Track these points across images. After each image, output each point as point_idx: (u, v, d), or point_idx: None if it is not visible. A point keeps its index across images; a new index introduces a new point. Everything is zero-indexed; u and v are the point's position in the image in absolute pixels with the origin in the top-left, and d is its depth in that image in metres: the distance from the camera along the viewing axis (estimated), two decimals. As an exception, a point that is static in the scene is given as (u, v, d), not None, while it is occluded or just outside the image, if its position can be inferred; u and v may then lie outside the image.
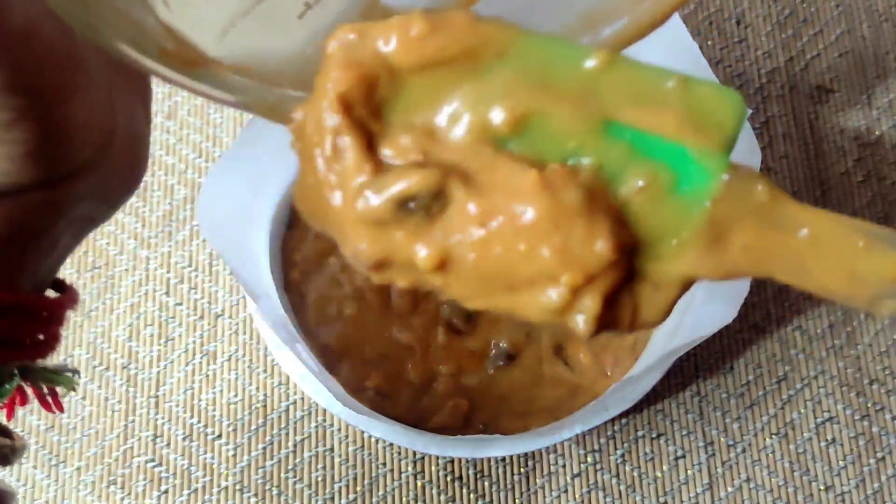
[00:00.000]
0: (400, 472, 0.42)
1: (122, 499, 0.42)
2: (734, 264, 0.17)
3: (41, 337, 0.21)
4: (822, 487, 0.42)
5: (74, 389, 0.24)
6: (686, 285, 0.18)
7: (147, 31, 0.17)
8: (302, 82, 0.18)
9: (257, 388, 0.43)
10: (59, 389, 0.24)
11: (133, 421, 0.43)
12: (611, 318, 0.17)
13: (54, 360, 0.23)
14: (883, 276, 0.17)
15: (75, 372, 0.24)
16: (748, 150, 0.36)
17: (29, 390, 0.23)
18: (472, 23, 0.16)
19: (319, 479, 0.42)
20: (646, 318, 0.17)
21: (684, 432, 0.42)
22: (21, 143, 0.17)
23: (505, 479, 0.42)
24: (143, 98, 0.22)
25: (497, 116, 0.16)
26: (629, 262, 0.17)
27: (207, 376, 0.43)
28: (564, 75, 0.17)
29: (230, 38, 0.18)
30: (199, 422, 0.43)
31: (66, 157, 0.19)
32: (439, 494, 0.42)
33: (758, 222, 0.17)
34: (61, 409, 0.24)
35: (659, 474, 0.42)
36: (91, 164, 0.19)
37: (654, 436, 0.42)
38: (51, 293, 0.23)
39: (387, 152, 0.17)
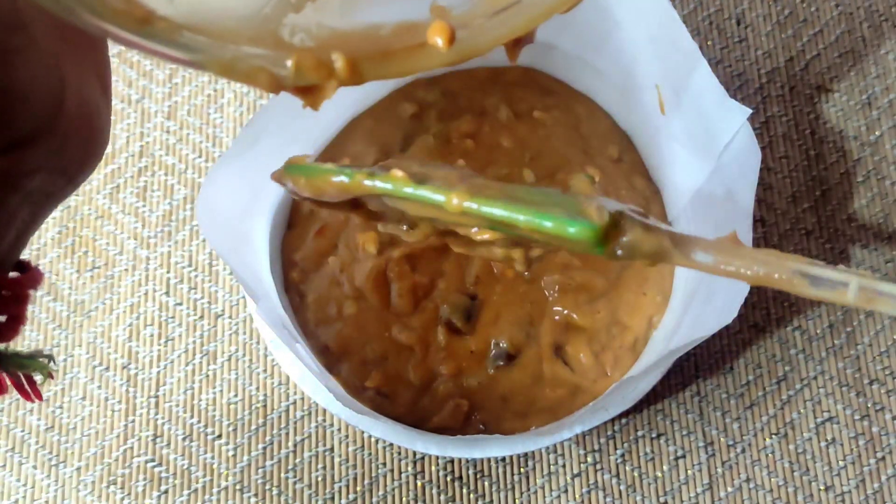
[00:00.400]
0: (400, 472, 0.42)
1: (122, 499, 0.42)
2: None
3: (3, 318, 0.21)
4: (822, 487, 0.42)
5: (52, 376, 0.24)
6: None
7: None
8: (259, 39, 0.18)
9: (257, 388, 0.43)
10: (36, 377, 0.23)
11: (133, 421, 0.43)
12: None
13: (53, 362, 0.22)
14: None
15: (49, 357, 0.24)
16: (748, 150, 0.36)
17: (8, 382, 0.22)
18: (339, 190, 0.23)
19: (319, 479, 0.42)
20: None
21: (684, 432, 0.42)
22: None
23: (505, 479, 0.42)
24: (98, 69, 0.22)
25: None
26: None
27: (207, 376, 0.43)
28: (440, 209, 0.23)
29: None
30: (199, 422, 0.43)
31: (9, 122, 0.18)
32: (439, 494, 0.42)
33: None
34: (39, 398, 0.24)
35: (659, 474, 0.42)
36: (40, 133, 0.19)
37: (654, 436, 0.42)
38: (14, 276, 0.22)
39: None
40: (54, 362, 0.25)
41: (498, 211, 0.21)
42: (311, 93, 0.18)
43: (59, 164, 0.20)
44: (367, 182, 0.21)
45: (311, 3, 0.19)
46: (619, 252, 0.22)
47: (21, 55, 0.18)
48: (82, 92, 0.20)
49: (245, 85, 0.18)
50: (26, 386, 0.23)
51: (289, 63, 0.18)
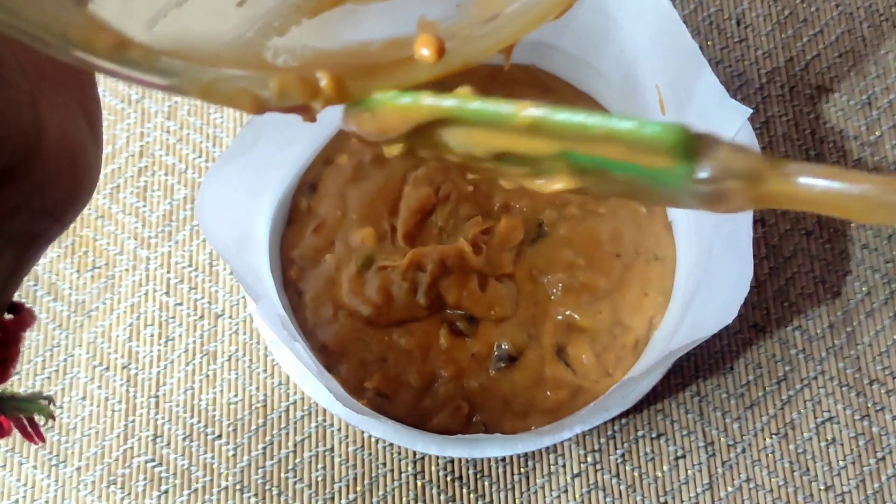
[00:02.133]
0: (400, 472, 0.42)
1: (122, 499, 0.42)
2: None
3: None
4: (822, 487, 0.42)
5: (53, 417, 0.23)
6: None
7: (65, 19, 0.16)
8: (241, 62, 0.17)
9: (257, 388, 0.43)
10: (37, 418, 0.23)
11: (133, 421, 0.43)
12: None
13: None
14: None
15: (49, 399, 0.23)
16: (748, 150, 0.36)
17: (10, 424, 0.22)
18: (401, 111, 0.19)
19: (319, 479, 0.42)
20: None
21: (684, 432, 0.42)
22: None
23: (505, 479, 0.42)
24: (83, 104, 0.21)
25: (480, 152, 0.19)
26: None
27: (207, 376, 0.43)
28: (508, 128, 0.19)
29: (161, 26, 0.17)
30: (199, 422, 0.43)
31: None
32: (439, 494, 0.42)
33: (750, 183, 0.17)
34: (42, 439, 0.23)
35: (659, 474, 0.42)
36: (15, 173, 0.18)
37: (654, 436, 0.42)
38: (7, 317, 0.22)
39: None
40: (54, 403, 0.24)
41: (568, 117, 0.19)
42: (297, 112, 0.18)
43: (41, 204, 0.19)
44: (430, 101, 0.20)
45: (295, 27, 0.18)
46: (706, 171, 0.18)
47: None
48: (64, 128, 0.19)
49: (228, 108, 0.17)
50: (28, 428, 0.23)
51: (272, 84, 0.17)
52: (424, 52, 0.18)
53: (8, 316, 0.21)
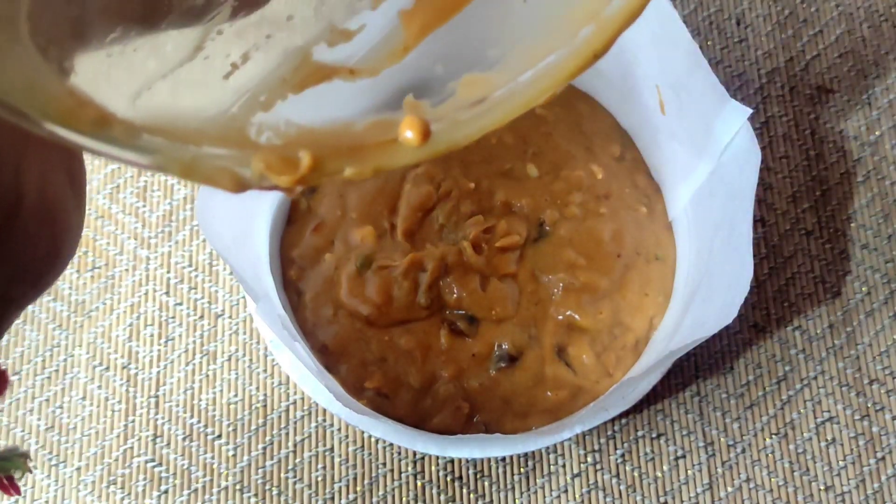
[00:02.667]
0: (400, 472, 0.42)
1: (122, 499, 0.42)
2: None
3: None
4: (822, 487, 0.42)
5: (30, 471, 0.23)
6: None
7: (46, 92, 0.15)
8: (224, 139, 0.17)
9: (257, 388, 0.43)
10: (15, 474, 0.23)
11: (133, 421, 0.43)
12: None
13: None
14: None
15: (25, 455, 0.23)
16: (748, 150, 0.36)
17: None
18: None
19: (319, 479, 0.42)
20: None
21: (684, 432, 0.42)
22: None
23: (505, 479, 0.42)
24: (67, 164, 0.20)
25: None
26: None
27: (207, 376, 0.43)
28: None
29: (144, 99, 0.17)
30: (199, 422, 0.43)
31: None
32: (439, 494, 0.42)
33: None
34: (18, 492, 0.23)
35: (659, 474, 0.42)
36: None
37: (654, 436, 0.42)
38: None
39: None
40: (30, 458, 0.24)
41: None
42: (278, 190, 0.17)
43: (18, 269, 0.19)
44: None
45: (280, 102, 0.18)
46: None
47: None
48: (46, 190, 0.19)
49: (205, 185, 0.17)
50: (4, 481, 0.23)
51: (254, 163, 0.17)
52: (409, 134, 0.17)
53: None
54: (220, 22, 0.18)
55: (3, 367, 0.22)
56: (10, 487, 0.23)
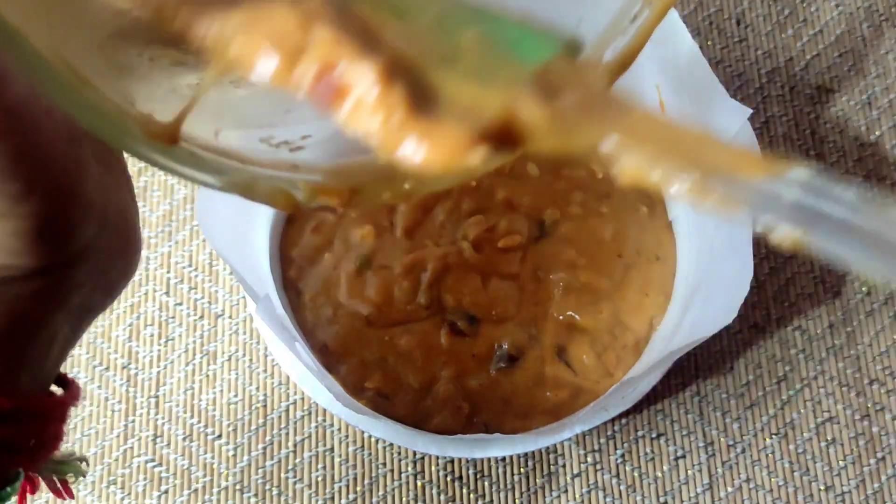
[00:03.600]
0: (400, 472, 0.42)
1: (122, 499, 0.42)
2: (561, 122, 0.16)
3: (44, 437, 0.21)
4: (822, 487, 0.42)
5: (84, 475, 0.24)
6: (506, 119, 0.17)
7: (127, 116, 0.16)
8: (276, 165, 0.18)
9: (257, 388, 0.43)
10: (69, 478, 0.23)
11: (133, 421, 0.43)
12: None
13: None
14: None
15: (83, 460, 0.23)
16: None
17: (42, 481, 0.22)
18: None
19: (319, 479, 0.42)
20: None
21: (684, 432, 0.42)
22: (30, 218, 0.17)
23: (505, 479, 0.42)
24: (127, 176, 0.21)
25: None
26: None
27: (207, 376, 0.43)
28: None
29: (225, 136, 0.18)
30: (199, 422, 0.43)
31: (71, 235, 0.18)
32: (439, 494, 0.42)
33: (585, 95, 0.17)
34: (71, 496, 0.23)
35: (659, 474, 0.42)
36: (89, 248, 0.19)
37: (654, 436, 0.42)
38: (54, 388, 0.22)
39: None
40: (87, 463, 0.25)
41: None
42: (327, 210, 0.18)
43: (100, 278, 0.20)
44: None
45: (299, 151, 0.19)
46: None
47: (81, 167, 0.18)
48: (120, 205, 0.20)
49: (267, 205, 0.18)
50: (59, 486, 0.23)
51: (301, 187, 0.17)
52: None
53: (58, 391, 0.21)
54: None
55: (75, 380, 0.22)
56: (64, 491, 0.23)
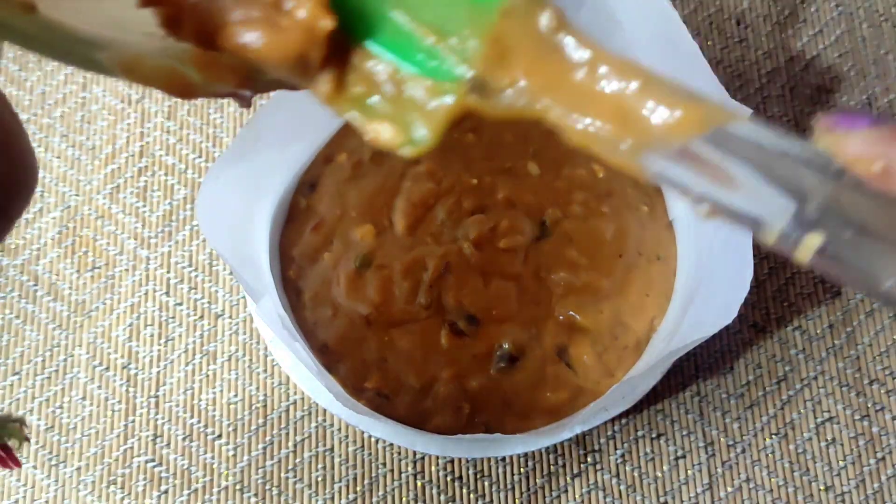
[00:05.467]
0: (400, 472, 0.42)
1: (122, 499, 0.42)
2: (512, 91, 0.17)
3: None
4: (822, 487, 0.42)
5: (27, 439, 0.22)
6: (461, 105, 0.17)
7: None
8: (164, 52, 0.16)
9: (257, 388, 0.43)
10: (11, 443, 0.22)
11: (133, 421, 0.43)
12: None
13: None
14: (649, 126, 0.16)
15: (20, 421, 0.22)
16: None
17: None
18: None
19: (319, 479, 0.42)
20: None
21: (684, 432, 0.42)
22: None
23: (505, 479, 0.42)
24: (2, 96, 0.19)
25: None
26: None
27: (207, 376, 0.43)
28: None
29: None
30: (199, 422, 0.43)
31: None
32: (439, 494, 0.42)
33: (538, 47, 0.17)
34: (18, 465, 0.22)
35: (659, 474, 0.42)
36: None
37: (654, 436, 0.42)
38: None
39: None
40: (25, 425, 0.23)
41: None
42: (230, 97, 0.17)
43: None
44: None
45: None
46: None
47: None
48: None
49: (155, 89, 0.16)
50: (2, 453, 0.22)
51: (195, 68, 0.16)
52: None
53: None
54: None
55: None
56: (9, 459, 0.22)
